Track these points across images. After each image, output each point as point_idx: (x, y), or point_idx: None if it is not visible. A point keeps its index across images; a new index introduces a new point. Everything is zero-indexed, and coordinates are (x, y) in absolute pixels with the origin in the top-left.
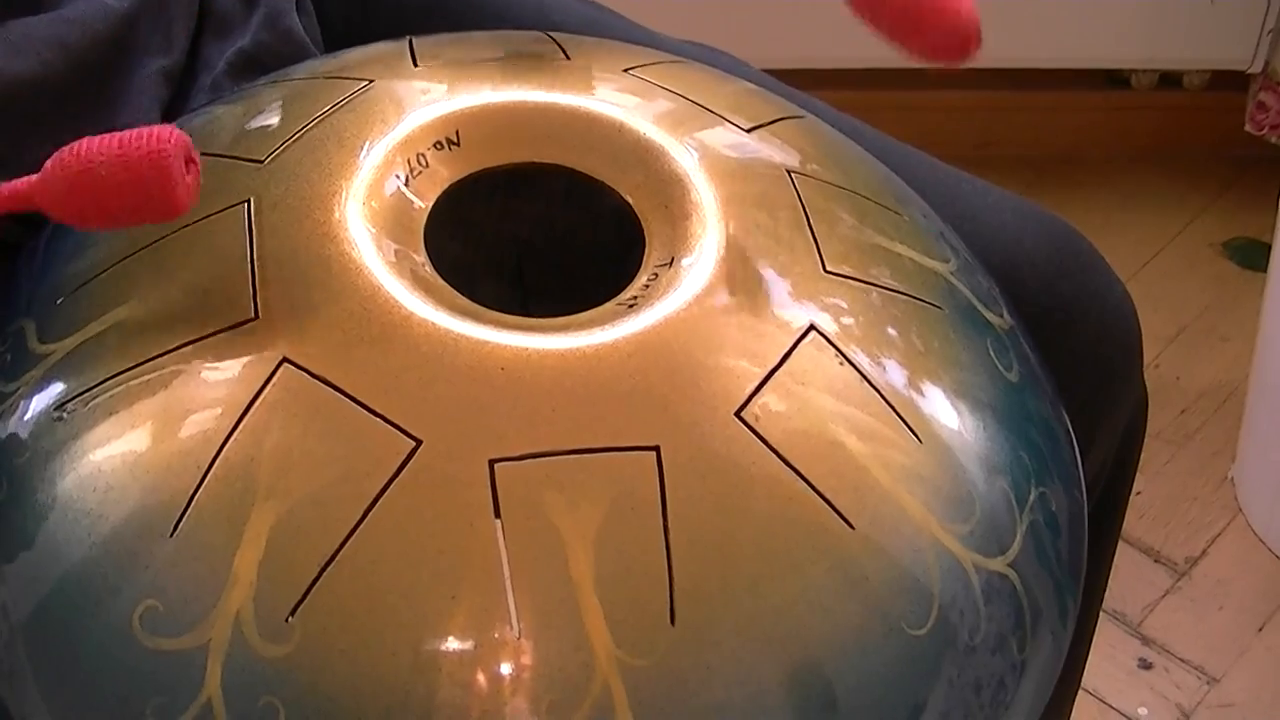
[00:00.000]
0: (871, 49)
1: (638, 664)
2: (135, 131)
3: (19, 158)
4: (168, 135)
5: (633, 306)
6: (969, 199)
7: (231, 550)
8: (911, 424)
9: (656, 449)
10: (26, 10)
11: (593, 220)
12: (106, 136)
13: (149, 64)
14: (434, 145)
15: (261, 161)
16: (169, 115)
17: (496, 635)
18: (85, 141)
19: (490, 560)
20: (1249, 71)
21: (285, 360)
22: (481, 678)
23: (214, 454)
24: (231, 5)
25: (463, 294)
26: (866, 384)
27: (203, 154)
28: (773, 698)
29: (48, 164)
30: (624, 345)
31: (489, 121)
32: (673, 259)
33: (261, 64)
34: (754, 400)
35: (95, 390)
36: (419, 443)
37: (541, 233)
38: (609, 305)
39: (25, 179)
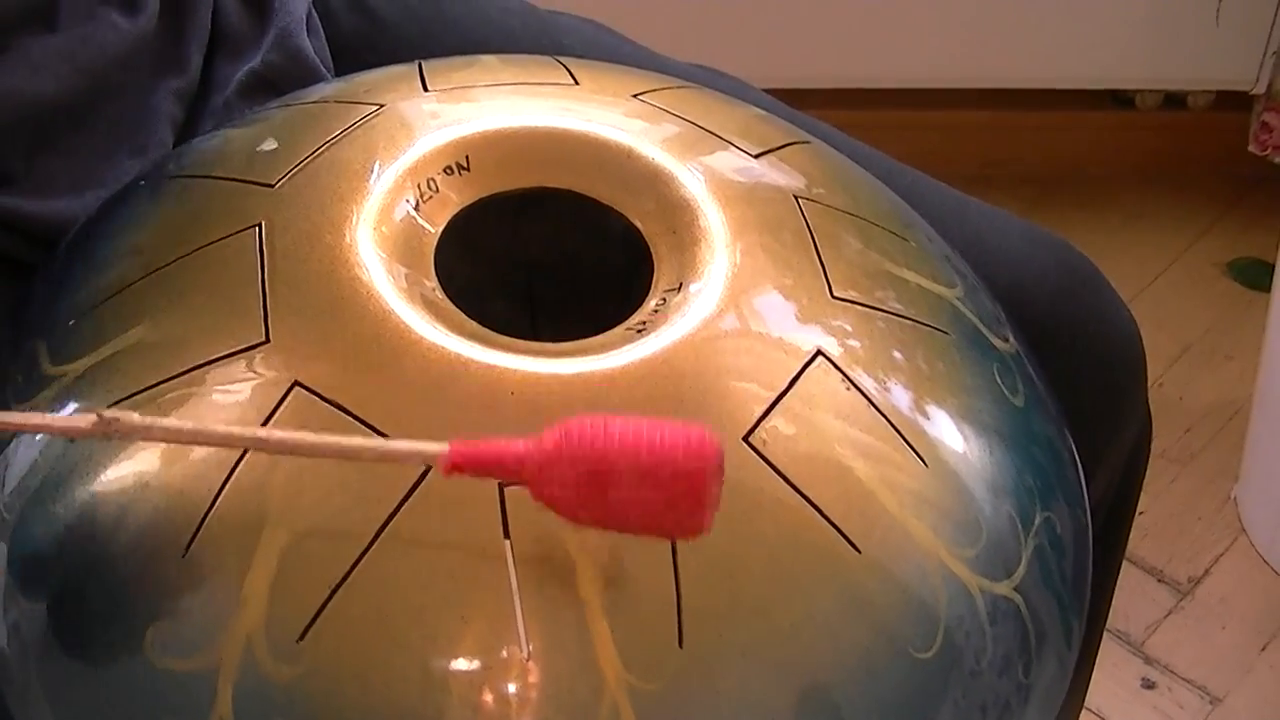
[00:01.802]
0: (876, 69)
1: (646, 687)
2: (668, 433)
3: (35, 174)
4: (707, 451)
5: (641, 331)
6: (974, 222)
7: (243, 572)
8: (918, 448)
9: None
10: (41, 29)
11: (601, 243)
12: (634, 428)
13: (162, 84)
14: (444, 170)
15: (272, 185)
16: (182, 135)
17: (506, 657)
18: (604, 426)
19: (500, 582)
20: (1253, 92)
21: (296, 384)
22: (490, 699)
23: (225, 476)
24: (243, 26)
25: (472, 313)
26: (873, 408)
27: (213, 177)
28: None
29: (550, 440)
30: (633, 370)
31: (499, 146)
32: (681, 284)
33: (272, 85)
34: (762, 425)
35: None
36: (429, 466)
37: (551, 254)
38: (618, 330)
39: (513, 445)
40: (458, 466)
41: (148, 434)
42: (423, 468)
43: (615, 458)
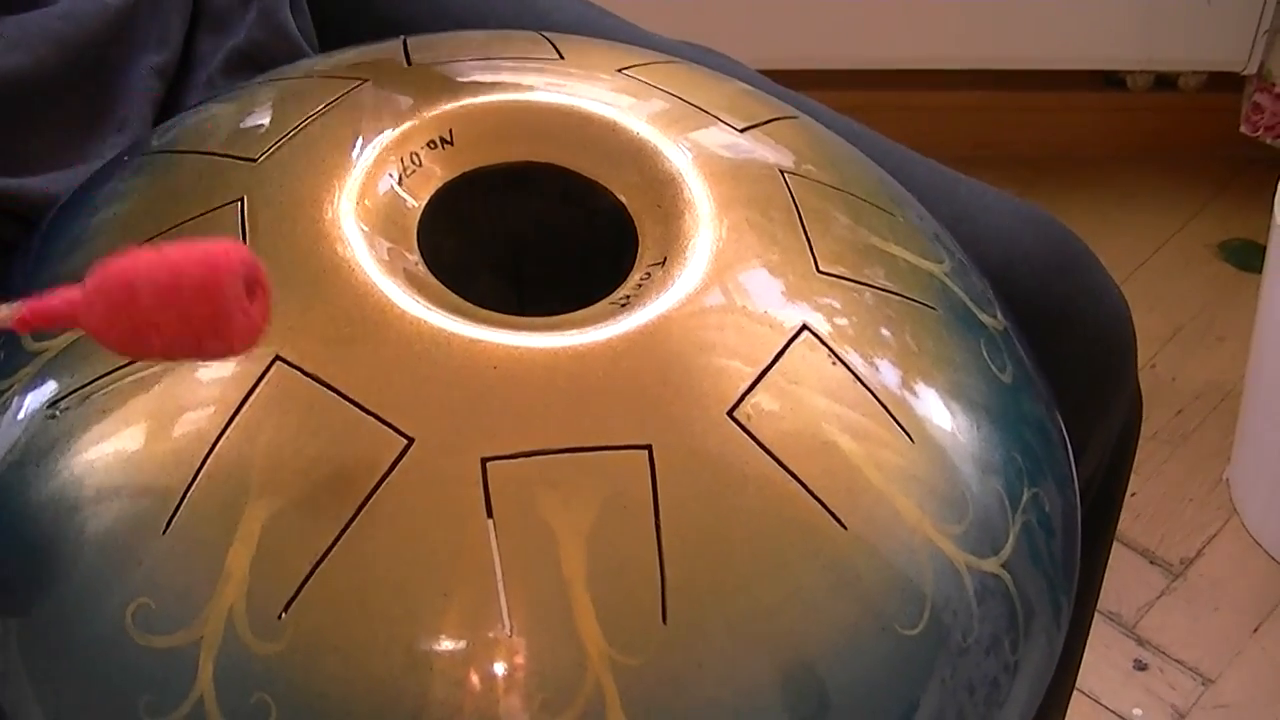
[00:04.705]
0: (867, 49)
1: (629, 662)
2: (189, 248)
3: (12, 152)
4: (224, 256)
5: (625, 305)
6: (964, 199)
7: (224, 547)
8: (904, 424)
9: (649, 448)
10: (20, 5)
11: (587, 218)
12: (157, 252)
13: (143, 60)
14: (428, 144)
15: (255, 160)
16: (163, 112)
17: (489, 633)
18: (132, 255)
19: (482, 558)
20: (1244, 73)
21: (278, 358)
22: (473, 676)
23: (207, 451)
24: (226, 2)
25: (459, 289)
26: (859, 384)
27: (196, 152)
28: (765, 697)
29: (91, 276)
30: (617, 344)
31: (482, 120)
32: (666, 258)
33: (255, 61)
34: (746, 400)
35: (88, 388)
36: (411, 440)
37: (537, 230)
38: (602, 304)
39: (70, 291)
40: (24, 321)
41: None
42: (405, 441)
43: (138, 283)
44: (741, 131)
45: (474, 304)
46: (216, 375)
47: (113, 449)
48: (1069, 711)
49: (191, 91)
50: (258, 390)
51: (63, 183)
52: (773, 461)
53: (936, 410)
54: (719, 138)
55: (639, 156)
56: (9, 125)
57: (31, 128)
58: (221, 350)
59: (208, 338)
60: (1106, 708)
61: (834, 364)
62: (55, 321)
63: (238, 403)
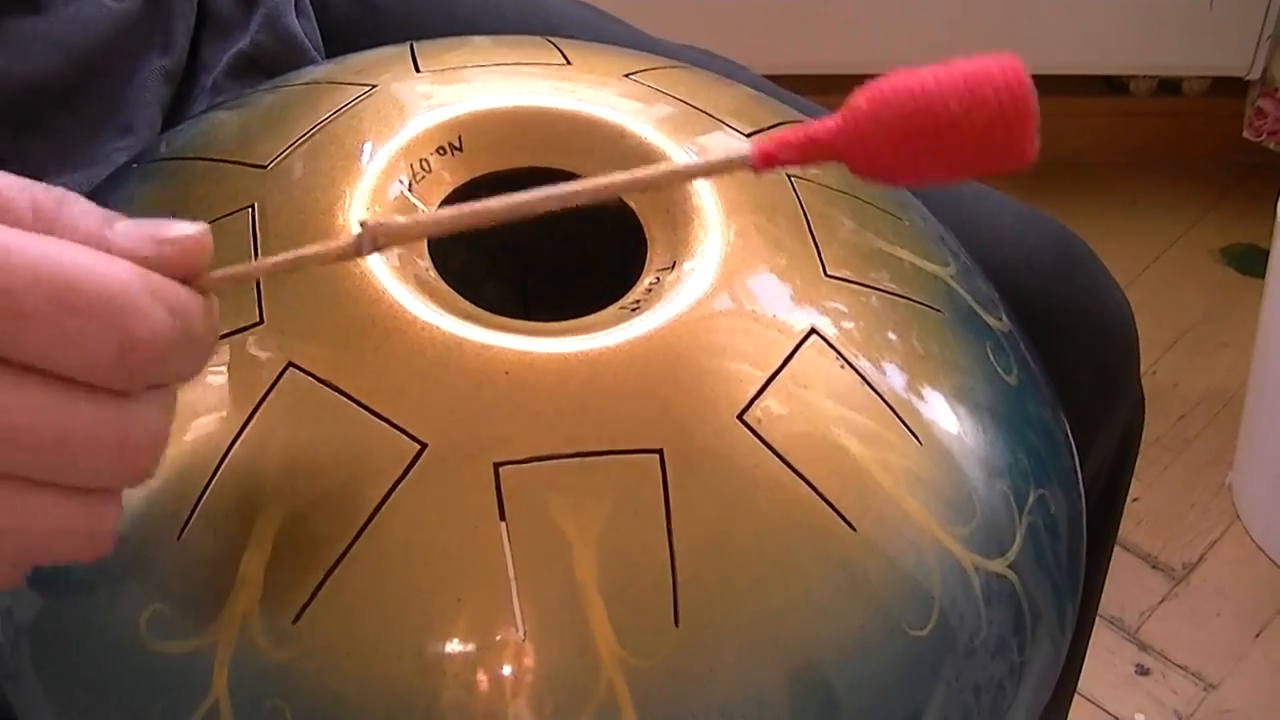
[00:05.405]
0: (870, 54)
1: (641, 665)
2: (967, 62)
3: (20, 156)
4: (1014, 66)
5: (635, 310)
6: (969, 203)
7: (238, 553)
8: (912, 426)
9: (660, 451)
10: (25, 10)
11: (595, 224)
12: (937, 69)
13: (149, 65)
14: (437, 150)
15: (264, 167)
16: (169, 116)
17: (501, 637)
18: (904, 79)
19: (495, 563)
20: (1247, 78)
21: (290, 364)
22: (486, 679)
23: (220, 457)
24: (230, 7)
25: (467, 295)
26: (867, 387)
27: (205, 159)
28: (774, 698)
29: (857, 107)
30: (627, 348)
31: (491, 126)
32: (674, 263)
33: (261, 66)
34: (756, 403)
35: None
36: (424, 446)
37: (545, 237)
38: (612, 309)
39: (821, 123)
40: (771, 156)
41: (414, 233)
42: (418, 447)
43: (935, 102)
44: (748, 136)
45: (483, 309)
46: (229, 381)
47: None
48: (1071, 716)
49: (197, 96)
50: (270, 396)
51: (71, 186)
52: (782, 464)
53: (943, 413)
54: (726, 142)
55: (647, 162)
56: (16, 130)
57: (38, 132)
58: (1017, 162)
59: (1008, 150)
60: (1109, 713)
61: (842, 367)
62: (808, 156)
63: (251, 408)
